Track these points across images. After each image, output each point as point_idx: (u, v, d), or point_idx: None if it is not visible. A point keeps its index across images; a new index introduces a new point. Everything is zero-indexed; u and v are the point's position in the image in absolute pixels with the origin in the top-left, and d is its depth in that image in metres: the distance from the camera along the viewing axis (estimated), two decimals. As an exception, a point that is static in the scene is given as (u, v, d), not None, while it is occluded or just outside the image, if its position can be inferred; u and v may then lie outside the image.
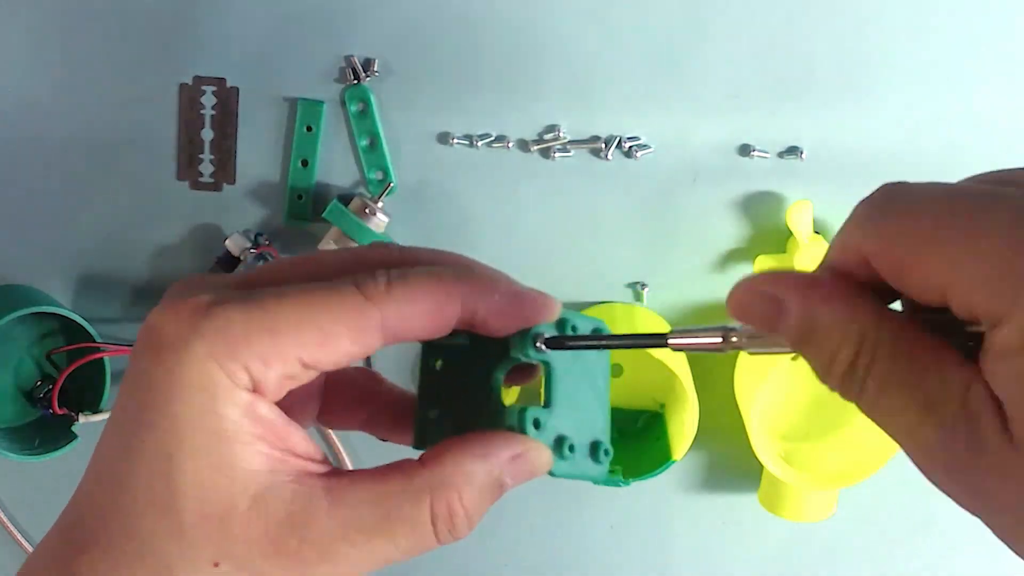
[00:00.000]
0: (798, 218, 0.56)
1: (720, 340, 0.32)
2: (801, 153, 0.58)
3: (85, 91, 0.58)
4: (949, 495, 0.28)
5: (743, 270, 0.60)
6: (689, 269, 0.60)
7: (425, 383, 0.36)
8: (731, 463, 0.64)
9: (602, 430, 0.36)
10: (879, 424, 0.28)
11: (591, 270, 0.60)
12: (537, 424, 0.33)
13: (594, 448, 0.35)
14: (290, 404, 0.35)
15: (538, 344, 0.33)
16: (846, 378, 0.29)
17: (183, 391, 0.30)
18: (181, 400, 0.30)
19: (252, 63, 0.58)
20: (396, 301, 0.31)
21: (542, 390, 0.34)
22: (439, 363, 0.36)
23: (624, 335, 0.35)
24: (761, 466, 0.60)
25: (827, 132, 0.58)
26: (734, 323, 0.32)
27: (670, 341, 0.32)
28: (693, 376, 0.58)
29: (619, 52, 0.57)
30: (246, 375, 0.30)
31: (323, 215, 0.57)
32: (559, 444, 0.34)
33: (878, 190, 0.30)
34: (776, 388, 0.62)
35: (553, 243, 0.60)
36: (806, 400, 0.62)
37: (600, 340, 0.35)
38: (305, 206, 0.59)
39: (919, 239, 0.27)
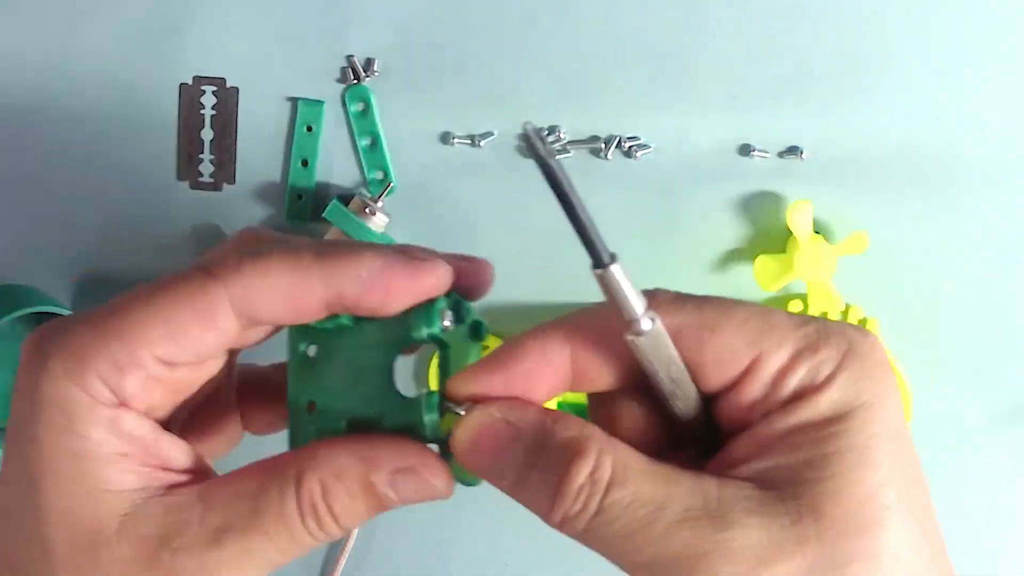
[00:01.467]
0: (798, 218, 0.56)
1: (637, 319, 0.30)
2: (801, 153, 0.58)
3: (85, 91, 0.58)
4: None
5: (743, 270, 0.60)
6: (689, 269, 0.60)
7: (295, 373, 0.32)
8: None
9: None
10: (621, 553, 0.31)
11: (588, 270, 0.60)
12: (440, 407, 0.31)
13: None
14: (205, 421, 0.34)
15: (445, 322, 0.30)
16: (581, 502, 0.29)
17: (42, 413, 0.28)
18: (41, 423, 0.28)
19: (252, 63, 0.58)
20: (245, 277, 0.29)
21: (431, 372, 0.32)
22: (309, 347, 0.32)
23: (584, 218, 0.31)
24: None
25: (827, 132, 0.58)
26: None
27: (611, 269, 0.30)
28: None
29: (619, 52, 0.57)
30: (106, 388, 0.29)
31: (323, 215, 0.57)
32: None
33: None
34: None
35: (553, 243, 0.60)
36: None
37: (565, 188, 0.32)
38: (305, 206, 0.59)
39: (740, 321, 0.29)
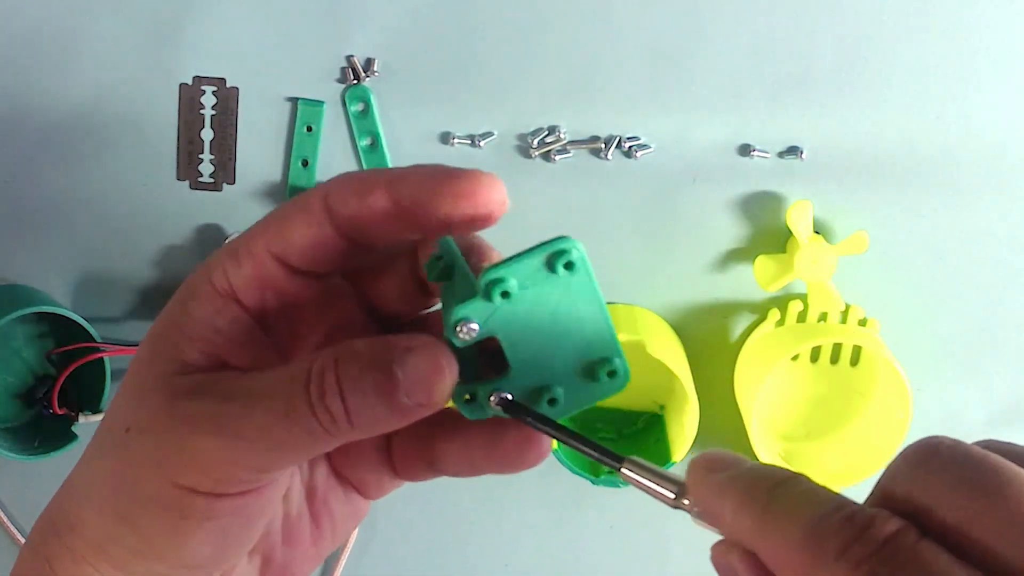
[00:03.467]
0: (798, 218, 0.56)
1: (672, 497, 0.30)
2: (801, 153, 0.58)
3: (85, 91, 0.58)
4: None
5: (743, 270, 0.60)
6: (689, 269, 0.60)
7: (443, 302, 0.33)
8: (731, 463, 0.64)
9: (605, 347, 0.32)
10: None
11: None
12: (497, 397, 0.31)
13: (590, 370, 0.32)
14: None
15: (460, 332, 0.31)
16: None
17: (178, 293, 0.34)
18: (173, 299, 0.34)
19: (252, 63, 0.58)
20: (335, 181, 0.33)
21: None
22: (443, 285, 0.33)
23: (582, 437, 0.32)
24: (761, 466, 0.60)
25: (827, 132, 0.58)
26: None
27: (624, 470, 0.31)
28: (693, 377, 0.58)
29: (619, 52, 0.57)
30: (224, 278, 0.33)
31: (323, 215, 0.57)
32: (536, 398, 0.32)
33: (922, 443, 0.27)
34: (776, 388, 0.62)
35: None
36: (806, 400, 0.63)
37: (553, 429, 0.32)
38: (305, 206, 0.59)
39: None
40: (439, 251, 0.33)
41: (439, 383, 0.31)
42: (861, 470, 0.58)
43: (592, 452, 0.31)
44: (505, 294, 0.31)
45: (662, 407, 0.63)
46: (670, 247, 0.60)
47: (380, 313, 0.37)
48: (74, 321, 0.58)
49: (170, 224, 0.60)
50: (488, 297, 0.31)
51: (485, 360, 0.32)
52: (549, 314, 0.32)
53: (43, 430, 0.61)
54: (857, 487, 0.58)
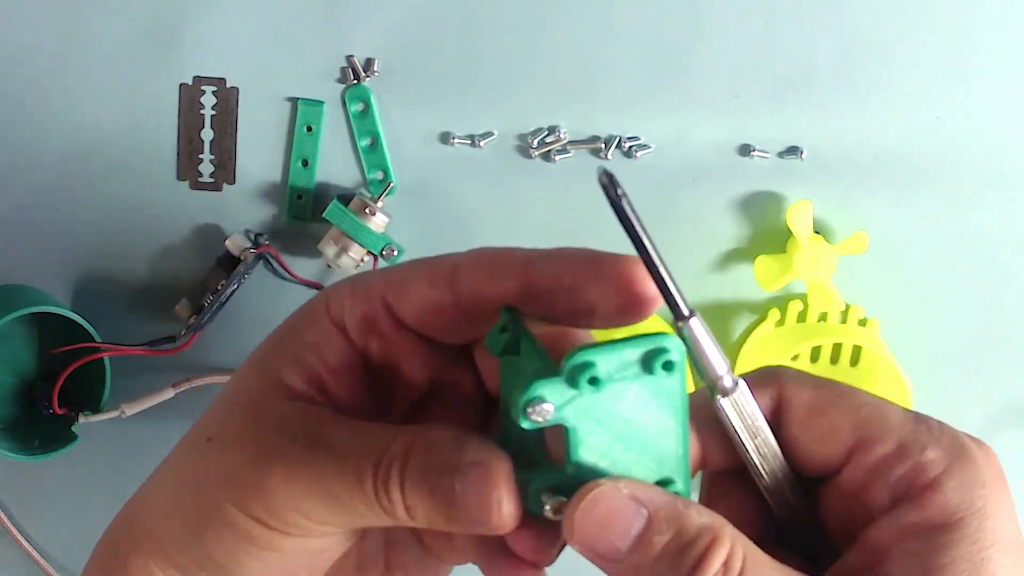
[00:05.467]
0: (798, 218, 0.56)
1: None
2: (801, 153, 0.58)
3: (85, 91, 0.58)
4: None
5: (743, 270, 0.60)
6: (689, 269, 0.60)
7: (504, 376, 0.32)
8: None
9: (673, 467, 0.29)
10: None
11: (591, 270, 0.60)
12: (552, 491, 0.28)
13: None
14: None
15: (530, 413, 0.27)
16: None
17: (296, 312, 0.35)
18: (289, 320, 0.35)
19: (252, 63, 0.58)
20: (470, 255, 0.32)
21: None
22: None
23: None
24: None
25: (827, 132, 0.58)
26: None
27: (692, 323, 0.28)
28: (693, 377, 0.58)
29: (619, 52, 0.57)
30: (340, 310, 0.33)
31: (323, 215, 0.57)
32: None
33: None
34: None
35: (553, 243, 0.59)
36: (806, 400, 0.62)
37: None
38: (305, 206, 0.59)
39: (851, 406, 0.30)
40: (503, 323, 0.31)
41: (495, 512, 0.29)
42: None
43: (664, 288, 0.28)
44: (593, 381, 0.28)
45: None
46: (670, 247, 0.60)
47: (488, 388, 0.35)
48: (74, 321, 0.58)
49: (170, 224, 0.60)
50: (573, 382, 0.28)
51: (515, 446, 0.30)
52: (628, 415, 0.28)
53: (43, 430, 0.61)
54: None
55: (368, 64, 0.57)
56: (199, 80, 0.58)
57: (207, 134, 0.59)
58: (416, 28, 0.57)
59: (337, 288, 0.34)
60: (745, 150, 0.58)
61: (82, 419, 0.59)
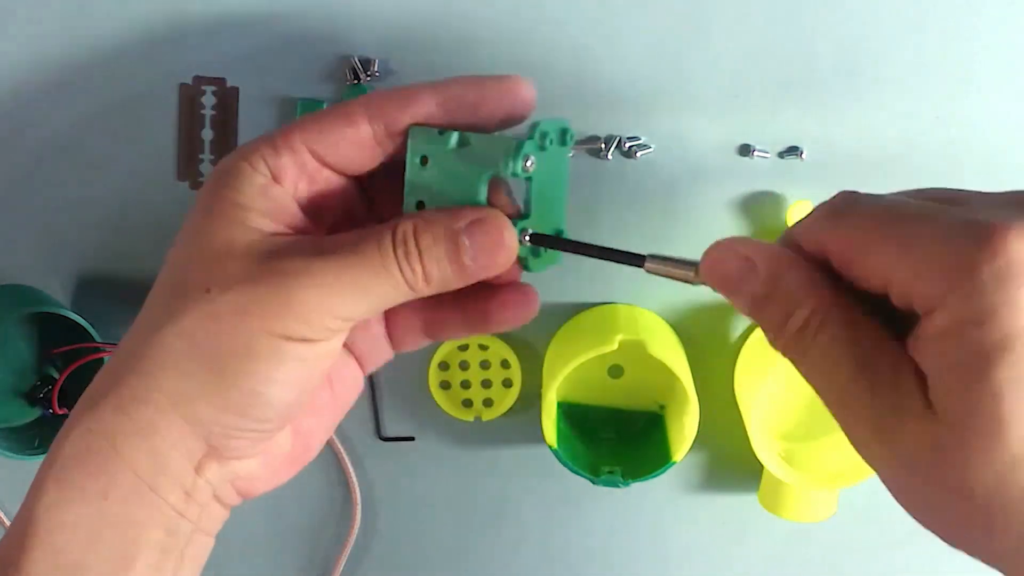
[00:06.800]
0: (798, 218, 0.56)
1: (692, 274, 0.37)
2: (801, 153, 0.58)
3: (85, 91, 0.58)
4: (864, 451, 0.33)
5: (743, 270, 0.60)
6: (689, 269, 0.60)
7: (411, 178, 0.39)
8: (731, 463, 0.64)
9: (560, 219, 0.42)
10: (815, 384, 0.33)
11: (592, 270, 0.60)
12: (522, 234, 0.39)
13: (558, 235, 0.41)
14: (366, 346, 0.43)
15: (528, 166, 0.38)
16: (797, 336, 0.33)
17: (219, 179, 0.38)
18: (216, 184, 0.38)
19: (252, 63, 0.58)
20: (378, 91, 0.39)
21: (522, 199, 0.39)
22: (425, 159, 0.39)
23: (603, 247, 0.38)
24: (761, 466, 0.60)
25: (827, 132, 0.58)
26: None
27: (647, 264, 0.37)
28: (693, 377, 0.58)
29: (619, 52, 0.57)
30: (264, 164, 0.38)
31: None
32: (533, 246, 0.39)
33: (838, 195, 0.35)
34: (776, 388, 0.62)
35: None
36: (806, 400, 0.62)
37: (580, 247, 0.39)
38: (305, 206, 0.59)
39: (872, 238, 0.32)
40: (432, 130, 0.39)
41: (501, 254, 0.37)
42: (861, 470, 0.58)
43: (614, 257, 0.38)
44: (543, 146, 0.39)
45: (662, 407, 0.63)
46: (670, 247, 0.60)
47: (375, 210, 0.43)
48: (74, 321, 0.58)
49: (170, 224, 0.60)
50: (541, 145, 0.39)
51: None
52: (548, 172, 0.40)
53: (43, 430, 0.61)
54: (857, 487, 0.59)
55: (368, 64, 0.58)
56: (199, 80, 0.58)
57: (207, 134, 0.59)
58: (416, 28, 0.57)
59: (251, 147, 0.38)
60: (745, 150, 0.58)
61: (82, 419, 0.59)
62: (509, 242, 0.37)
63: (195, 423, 0.36)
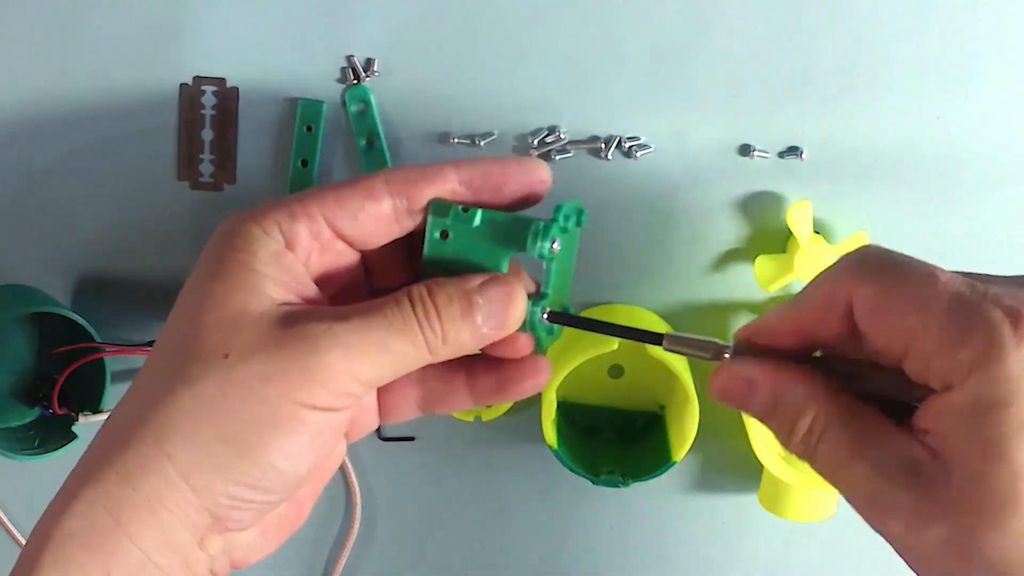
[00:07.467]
0: (798, 218, 0.56)
1: (709, 354, 0.39)
2: (801, 153, 0.58)
3: (84, 91, 0.58)
4: (883, 531, 0.36)
5: (743, 270, 0.60)
6: (689, 269, 0.60)
7: (430, 252, 0.40)
8: (731, 463, 0.64)
9: (567, 296, 0.44)
10: (830, 480, 0.37)
11: (591, 270, 0.60)
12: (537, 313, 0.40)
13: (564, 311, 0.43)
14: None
15: (554, 246, 0.39)
16: (803, 442, 0.37)
17: (229, 241, 0.38)
18: (226, 247, 0.37)
19: (252, 63, 0.58)
20: (400, 168, 0.39)
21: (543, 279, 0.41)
22: (445, 234, 0.40)
23: (624, 327, 0.40)
24: (761, 466, 0.60)
25: (827, 132, 0.58)
26: (726, 342, 0.39)
27: (665, 343, 0.39)
28: (693, 377, 0.58)
29: (619, 52, 0.57)
30: (278, 230, 0.38)
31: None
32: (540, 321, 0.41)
33: (871, 247, 0.37)
34: (776, 388, 0.62)
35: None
36: (806, 400, 0.62)
37: (601, 326, 0.40)
38: (305, 206, 0.59)
39: (905, 302, 0.34)
40: (454, 207, 0.40)
41: (512, 311, 0.38)
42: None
43: (633, 336, 0.40)
44: (565, 229, 0.41)
45: (662, 407, 0.63)
46: (670, 247, 0.60)
47: (372, 282, 0.43)
48: (74, 321, 0.58)
49: (170, 224, 0.60)
50: (564, 227, 0.41)
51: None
52: (566, 251, 0.42)
53: (43, 430, 0.61)
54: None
55: (368, 64, 0.58)
56: (199, 80, 0.58)
57: (207, 134, 0.59)
58: (416, 28, 0.57)
59: (264, 213, 0.38)
60: (745, 150, 0.58)
61: (82, 419, 0.59)
62: (520, 300, 0.38)
63: (204, 495, 0.35)
